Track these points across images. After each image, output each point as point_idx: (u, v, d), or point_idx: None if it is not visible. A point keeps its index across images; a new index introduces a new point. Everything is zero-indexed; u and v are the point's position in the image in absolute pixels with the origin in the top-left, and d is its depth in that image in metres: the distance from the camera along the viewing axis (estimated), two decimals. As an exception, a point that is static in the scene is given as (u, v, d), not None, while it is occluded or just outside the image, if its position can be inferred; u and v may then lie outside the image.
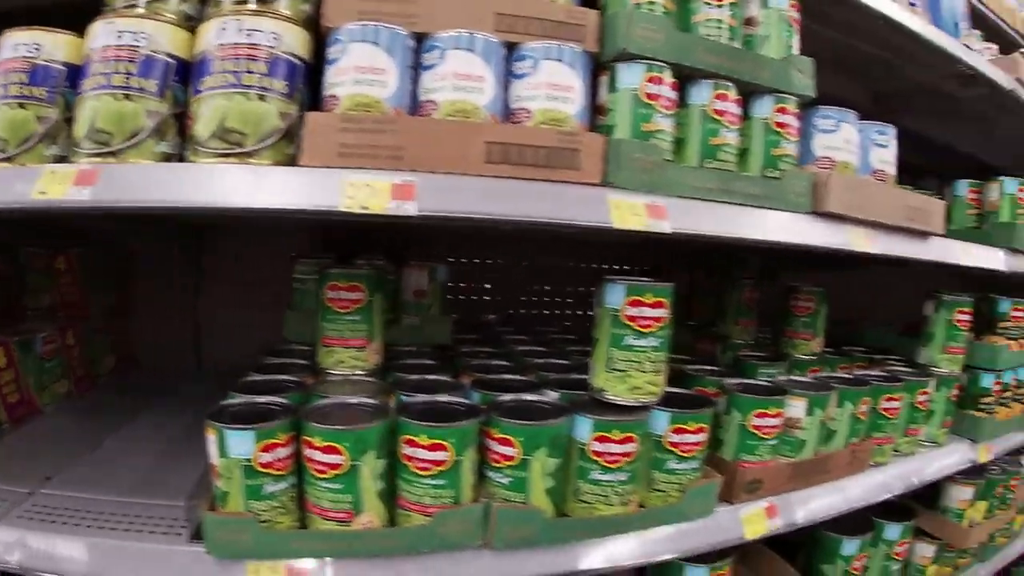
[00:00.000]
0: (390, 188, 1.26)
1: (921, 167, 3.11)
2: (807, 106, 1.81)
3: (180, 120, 1.40)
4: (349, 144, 1.29)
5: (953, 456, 2.45)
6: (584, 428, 1.48)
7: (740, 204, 1.59)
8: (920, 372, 2.42)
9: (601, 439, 1.48)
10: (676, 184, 1.50)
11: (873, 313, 3.25)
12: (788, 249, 1.76)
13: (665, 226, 1.43)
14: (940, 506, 2.71)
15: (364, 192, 1.25)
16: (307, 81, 1.44)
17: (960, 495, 2.67)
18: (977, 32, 2.78)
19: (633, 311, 1.50)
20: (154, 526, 1.44)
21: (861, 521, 2.33)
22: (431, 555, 1.39)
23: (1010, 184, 2.66)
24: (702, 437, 1.62)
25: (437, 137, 1.31)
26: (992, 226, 2.67)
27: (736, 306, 2.66)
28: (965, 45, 2.37)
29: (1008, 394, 2.70)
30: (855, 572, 2.28)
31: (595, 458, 1.48)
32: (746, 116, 1.70)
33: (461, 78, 1.39)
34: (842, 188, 1.70)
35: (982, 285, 2.81)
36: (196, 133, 1.35)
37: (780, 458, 1.84)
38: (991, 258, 2.41)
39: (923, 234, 2.02)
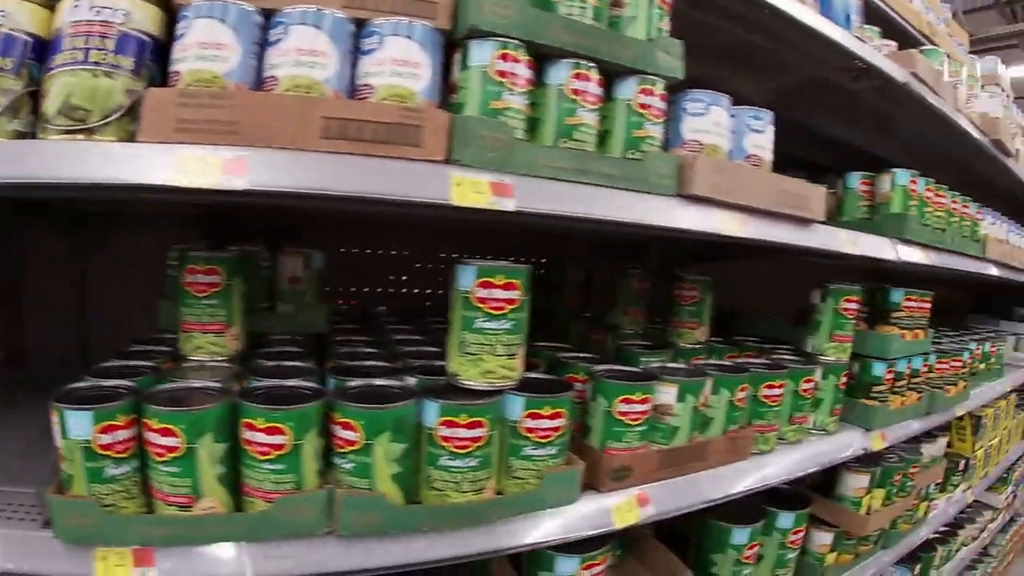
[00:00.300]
0: (221, 163, 1.23)
1: (821, 164, 3.14)
2: (678, 89, 1.81)
3: (35, 98, 1.37)
4: (186, 119, 1.26)
5: (844, 444, 2.48)
6: (431, 413, 1.46)
7: (598, 185, 1.57)
8: (806, 360, 2.44)
9: (448, 424, 1.45)
10: (525, 163, 1.48)
11: (771, 305, 3.27)
12: (666, 235, 1.76)
13: (509, 204, 1.42)
14: (836, 494, 2.74)
15: (197, 167, 1.22)
16: (158, 58, 1.41)
17: (856, 483, 2.71)
18: (876, 28, 2.83)
19: (483, 292, 1.49)
20: (12, 512, 1.39)
21: (753, 509, 2.35)
22: (276, 542, 1.36)
23: (902, 176, 2.70)
24: (560, 423, 1.60)
25: (272, 112, 1.28)
26: (883, 217, 2.70)
27: (626, 296, 2.66)
28: (857, 37, 2.38)
29: (902, 383, 2.74)
30: (747, 561, 2.29)
31: (443, 443, 1.46)
32: (610, 97, 1.69)
33: (303, 53, 1.37)
34: (710, 171, 1.70)
35: (879, 278, 2.85)
36: (45, 110, 1.33)
37: (652, 445, 1.83)
38: (881, 248, 2.44)
39: (803, 221, 2.03)
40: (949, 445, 3.99)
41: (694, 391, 1.86)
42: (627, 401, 1.72)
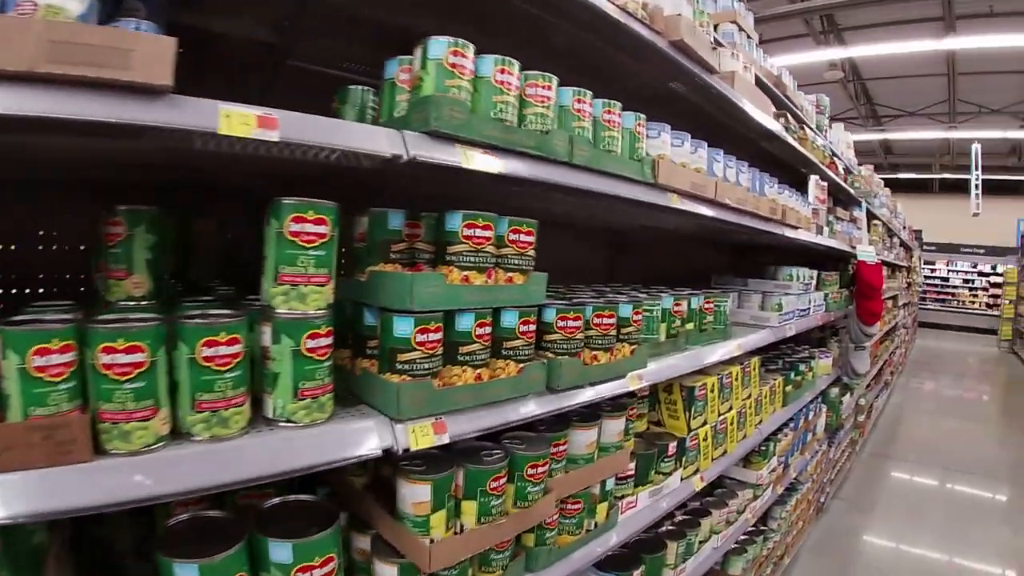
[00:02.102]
0: None
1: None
2: None
3: None
4: None
5: (327, 443, 1.69)
6: None
7: None
8: (241, 313, 1.63)
9: None
10: None
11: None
12: None
13: None
14: (397, 511, 1.99)
15: None
16: None
17: (412, 495, 1.95)
18: None
19: None
20: None
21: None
22: None
23: (437, 46, 1.90)
24: None
25: None
26: (411, 104, 1.91)
27: (101, 247, 1.84)
28: None
29: (471, 348, 1.99)
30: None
31: None
32: None
33: None
34: None
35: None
36: None
37: None
38: (356, 137, 1.66)
39: (126, 88, 1.26)
40: (659, 424, 3.38)
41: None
42: None
